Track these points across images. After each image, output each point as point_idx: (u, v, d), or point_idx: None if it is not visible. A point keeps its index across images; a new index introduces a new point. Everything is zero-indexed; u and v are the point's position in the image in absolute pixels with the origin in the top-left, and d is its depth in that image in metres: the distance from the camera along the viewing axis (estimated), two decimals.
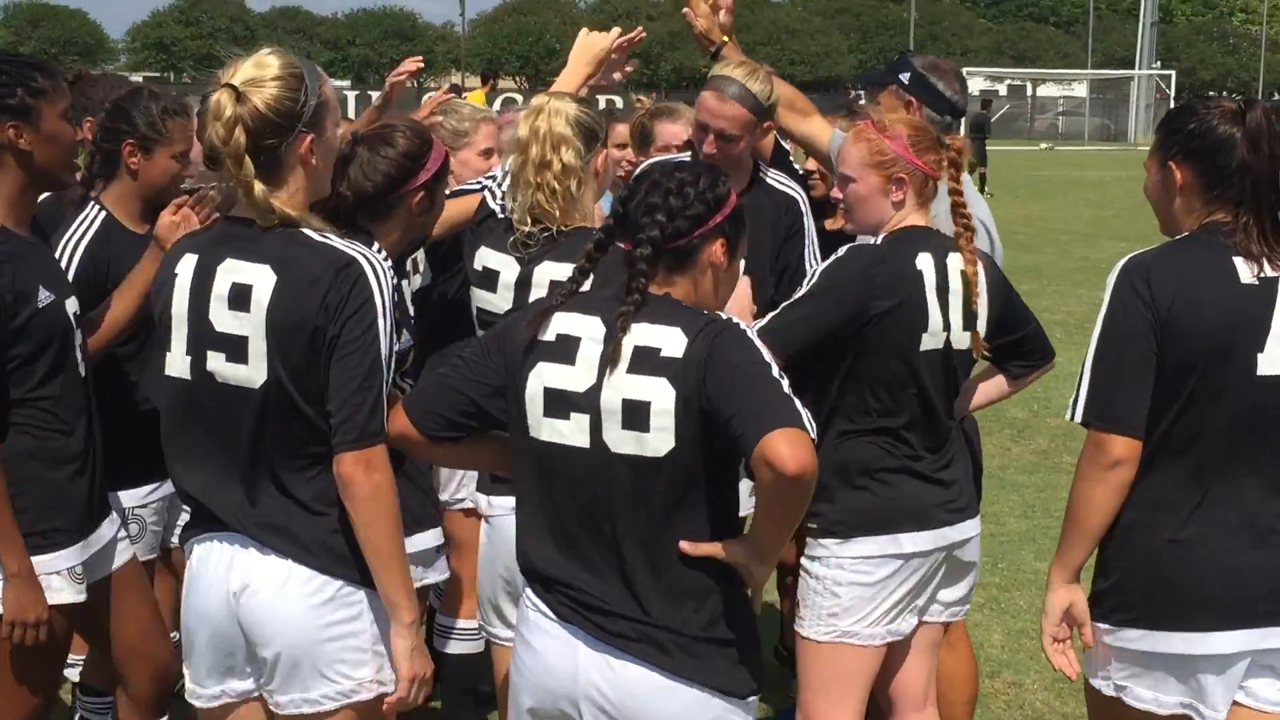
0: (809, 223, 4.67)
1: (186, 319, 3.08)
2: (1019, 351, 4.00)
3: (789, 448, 2.66)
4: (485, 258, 3.90)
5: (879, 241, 3.77)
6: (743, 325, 2.97)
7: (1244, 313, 3.19)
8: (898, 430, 3.76)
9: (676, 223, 2.94)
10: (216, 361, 3.04)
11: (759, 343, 2.93)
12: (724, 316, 2.96)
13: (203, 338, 3.05)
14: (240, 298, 3.00)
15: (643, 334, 2.89)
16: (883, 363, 3.71)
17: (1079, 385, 3.29)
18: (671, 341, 2.87)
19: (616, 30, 4.44)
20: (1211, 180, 3.27)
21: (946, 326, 3.75)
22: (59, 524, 3.55)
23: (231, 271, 3.02)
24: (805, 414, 2.76)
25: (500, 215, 3.90)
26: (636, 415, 2.85)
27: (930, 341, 3.72)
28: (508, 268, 3.83)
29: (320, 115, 3.06)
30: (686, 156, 4.60)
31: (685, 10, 4.70)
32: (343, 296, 2.96)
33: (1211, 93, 75.22)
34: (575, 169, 3.71)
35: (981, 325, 3.81)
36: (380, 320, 2.99)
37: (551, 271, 3.68)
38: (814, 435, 2.75)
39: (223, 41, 69.26)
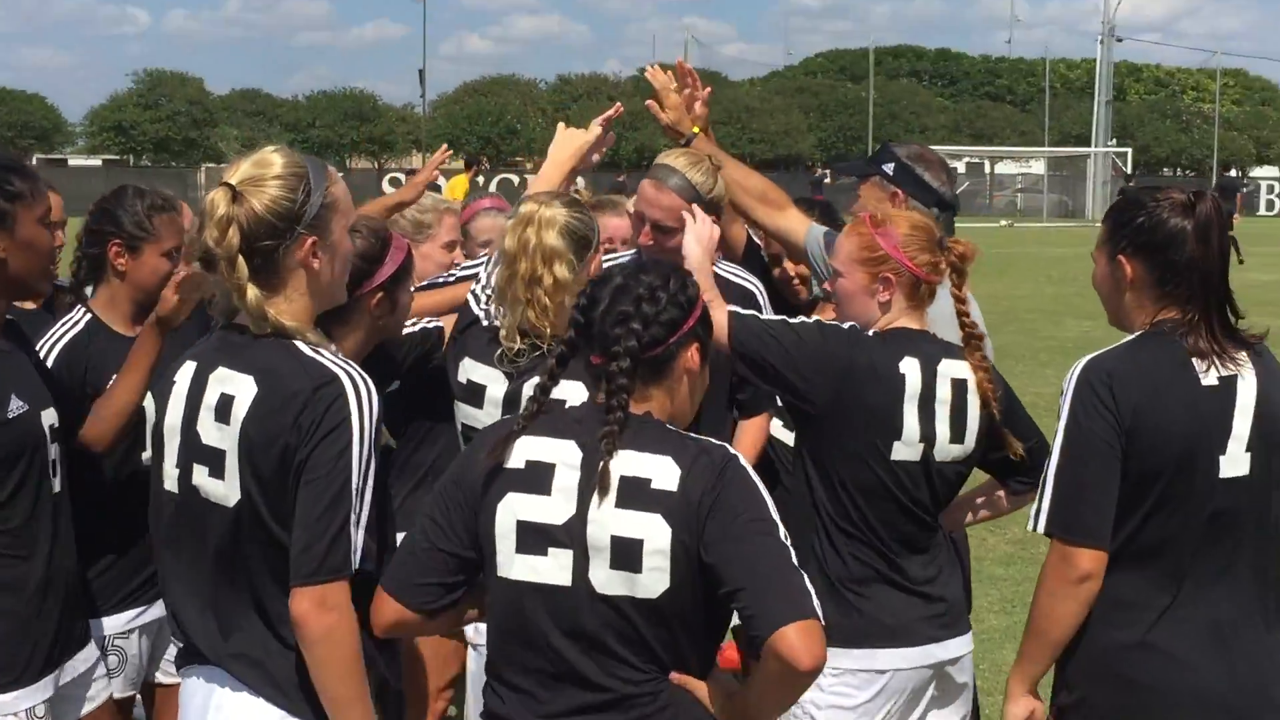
0: (769, 316, 4.36)
1: (179, 429, 2.93)
2: (1022, 467, 3.69)
3: (804, 643, 2.48)
4: (470, 370, 3.66)
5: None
6: (740, 458, 2.72)
7: (1207, 416, 3.11)
8: (878, 539, 3.50)
9: (652, 330, 2.70)
10: (200, 475, 2.87)
11: (760, 485, 2.69)
12: (713, 443, 2.74)
13: (190, 450, 2.90)
14: (224, 409, 2.84)
15: (629, 462, 2.64)
16: (855, 465, 3.48)
17: (1041, 495, 3.18)
18: (663, 472, 2.63)
19: (596, 128, 4.27)
20: (1163, 275, 3.20)
21: (926, 438, 3.49)
22: (19, 659, 3.24)
23: (221, 381, 2.87)
24: (811, 592, 2.54)
25: (485, 323, 3.65)
26: (628, 554, 2.61)
27: (905, 452, 3.48)
28: (494, 382, 3.60)
29: (325, 217, 2.90)
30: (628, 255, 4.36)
31: (650, 102, 4.41)
32: (317, 416, 2.76)
33: (1166, 170, 76.73)
34: (567, 284, 3.49)
35: (971, 439, 3.55)
36: (355, 446, 2.76)
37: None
38: (822, 619, 2.53)
39: (182, 124, 69.18)
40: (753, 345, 3.50)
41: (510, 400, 3.52)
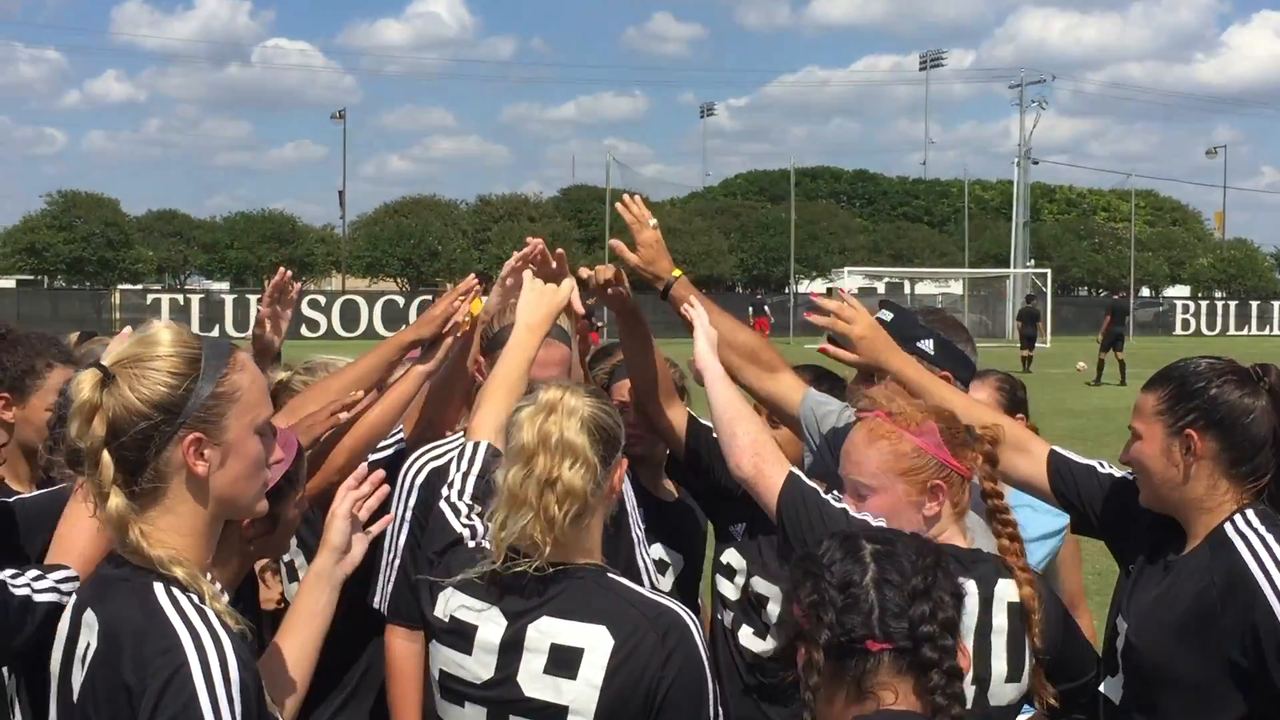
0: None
1: (58, 677, 2.45)
2: (1077, 702, 3.13)
3: None
4: (454, 605, 2.84)
5: None
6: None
7: None
8: None
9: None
10: None
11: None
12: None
13: (63, 706, 2.41)
14: (81, 663, 2.36)
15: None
16: None
17: None
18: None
19: (570, 281, 3.66)
20: (1240, 454, 3.02)
21: (981, 679, 2.86)
22: None
23: (89, 628, 2.37)
24: None
25: (472, 544, 2.91)
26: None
27: None
28: (490, 623, 2.78)
29: (218, 410, 2.40)
30: None
31: (615, 243, 3.79)
32: (149, 705, 2.19)
33: (1083, 290, 77.76)
34: (582, 492, 2.75)
35: (1026, 673, 2.95)
36: None
37: (554, 632, 2.70)
38: None
39: (96, 245, 68.19)
40: (796, 524, 3.08)
41: (510, 646, 2.75)
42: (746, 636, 3.90)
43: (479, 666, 2.76)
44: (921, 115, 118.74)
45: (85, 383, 2.36)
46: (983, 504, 3.13)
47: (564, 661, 2.65)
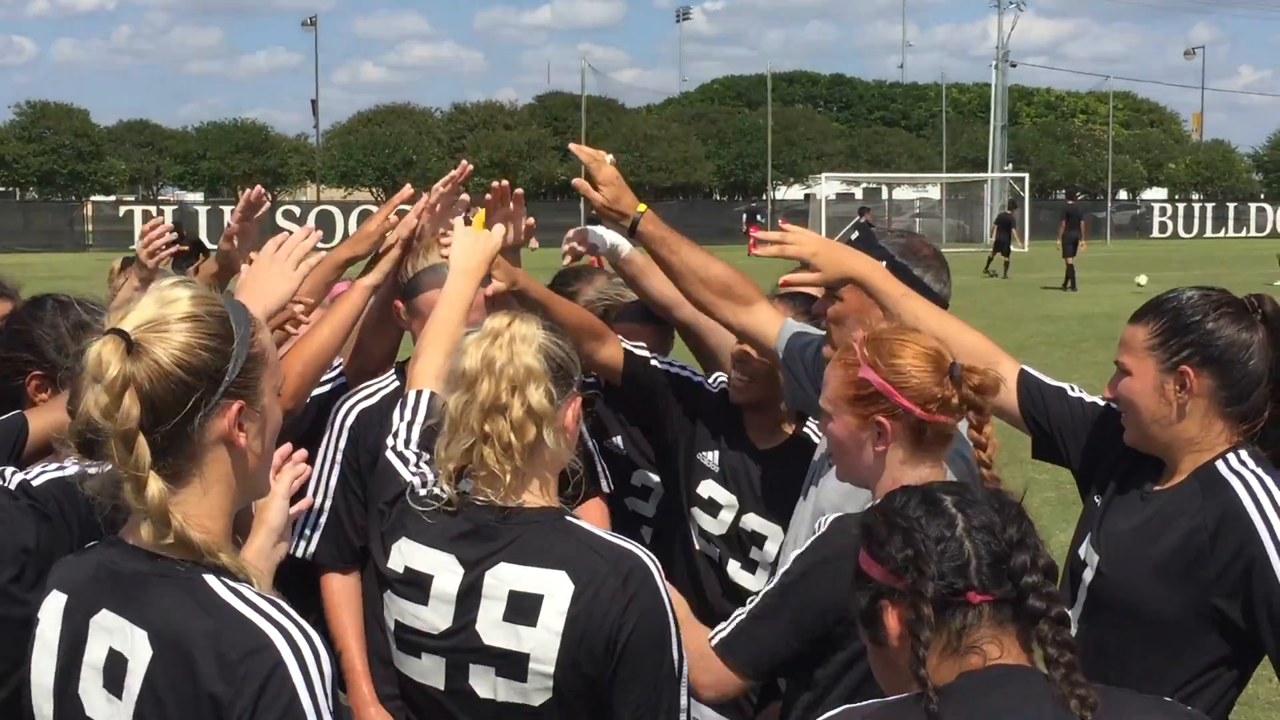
0: None
1: (52, 692, 2.15)
2: None
3: None
4: (409, 555, 2.75)
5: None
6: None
7: None
8: None
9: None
10: None
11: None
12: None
13: None
14: (114, 673, 2.07)
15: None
16: None
17: None
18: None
19: (500, 227, 3.52)
20: (1238, 390, 2.94)
21: None
22: None
23: (109, 633, 2.09)
24: None
25: (423, 491, 2.79)
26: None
27: None
28: (445, 571, 2.70)
29: (254, 374, 2.17)
30: None
31: (579, 181, 3.71)
32: (247, 706, 1.97)
33: (1061, 194, 77.42)
34: (542, 416, 2.67)
35: None
36: None
37: (512, 578, 2.64)
38: None
39: (67, 157, 67.40)
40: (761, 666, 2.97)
41: (468, 593, 2.67)
42: (735, 571, 3.90)
43: (436, 617, 2.69)
44: (899, 18, 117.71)
45: (109, 353, 2.05)
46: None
47: (523, 609, 2.60)
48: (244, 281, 3.24)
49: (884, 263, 3.41)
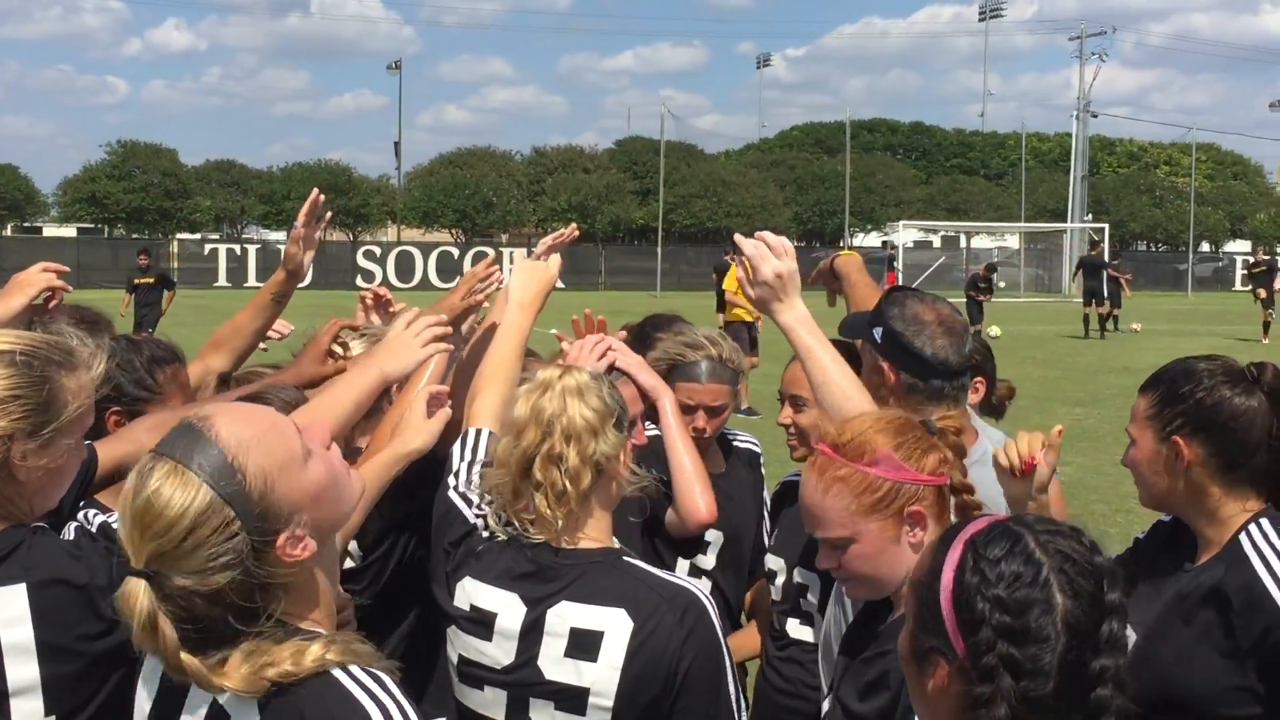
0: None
1: None
2: None
3: None
4: (473, 593, 2.85)
5: None
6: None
7: None
8: None
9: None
10: None
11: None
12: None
13: None
14: None
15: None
16: None
17: None
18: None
19: (557, 258, 3.58)
20: (1232, 459, 2.92)
21: None
22: None
23: None
24: None
25: (485, 532, 2.90)
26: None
27: None
28: (509, 609, 2.79)
29: (276, 499, 2.05)
30: None
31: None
32: None
33: (1141, 245, 76.46)
34: (600, 463, 2.78)
35: None
36: None
37: (573, 616, 2.74)
38: None
39: (155, 195, 68.74)
40: None
41: (530, 630, 2.76)
42: (794, 628, 3.96)
43: (499, 652, 2.79)
44: (980, 67, 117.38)
45: (135, 596, 1.99)
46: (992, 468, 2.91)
47: (584, 645, 2.70)
48: (378, 346, 3.30)
49: (879, 329, 3.36)
